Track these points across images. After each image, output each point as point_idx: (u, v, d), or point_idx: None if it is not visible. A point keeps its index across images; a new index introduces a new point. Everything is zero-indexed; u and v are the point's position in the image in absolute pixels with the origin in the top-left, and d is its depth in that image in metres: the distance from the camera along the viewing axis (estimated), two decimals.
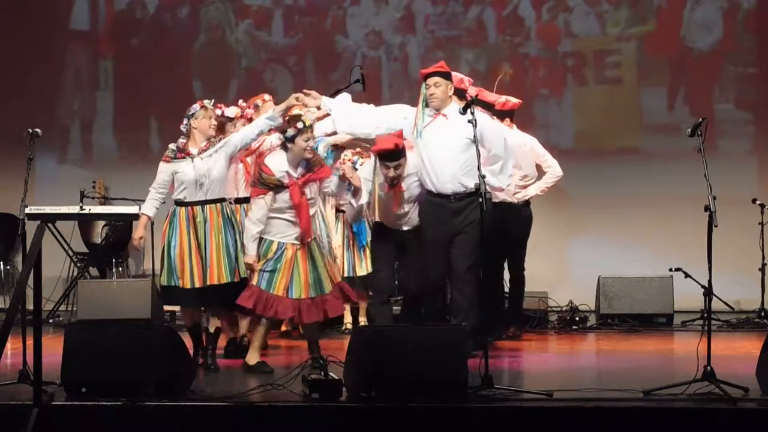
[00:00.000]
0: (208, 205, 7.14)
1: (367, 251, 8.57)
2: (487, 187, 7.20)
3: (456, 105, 7.18)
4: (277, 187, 6.95)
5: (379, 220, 7.56)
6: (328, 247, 7.45)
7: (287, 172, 6.96)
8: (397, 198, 7.34)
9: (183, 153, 7.18)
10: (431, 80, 7.24)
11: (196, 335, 7.35)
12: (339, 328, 8.88)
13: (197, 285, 7.07)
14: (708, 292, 6.25)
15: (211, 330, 7.28)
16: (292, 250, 7.00)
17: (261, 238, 7.00)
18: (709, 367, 6.02)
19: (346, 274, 8.55)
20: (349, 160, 8.29)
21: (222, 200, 7.20)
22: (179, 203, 7.17)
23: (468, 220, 7.18)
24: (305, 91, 7.27)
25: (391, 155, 7.20)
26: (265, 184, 6.96)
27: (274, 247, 6.99)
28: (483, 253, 7.05)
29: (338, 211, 8.66)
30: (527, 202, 8.44)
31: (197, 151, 7.17)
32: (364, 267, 8.63)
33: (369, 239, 8.49)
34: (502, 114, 8.23)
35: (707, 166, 6.14)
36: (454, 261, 7.25)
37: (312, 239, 7.10)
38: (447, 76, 7.32)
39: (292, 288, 6.99)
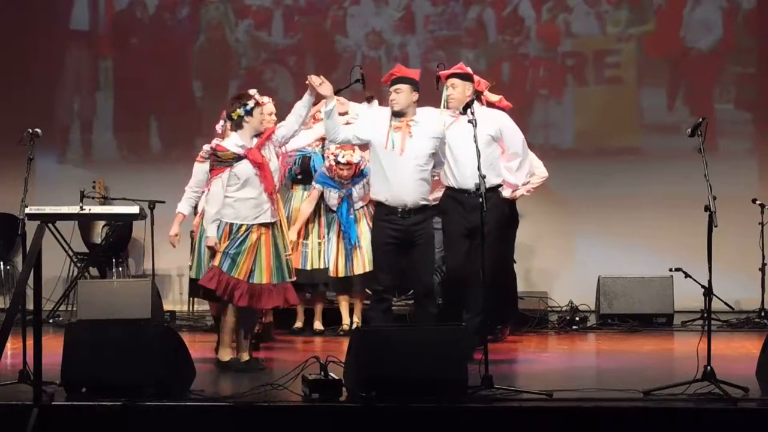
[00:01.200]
0: None
1: (362, 250, 8.52)
2: (503, 182, 7.64)
3: (476, 105, 7.20)
4: (235, 159, 6.99)
5: (378, 200, 7.26)
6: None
7: (242, 146, 7.04)
8: (404, 135, 7.15)
9: None
10: (449, 82, 7.46)
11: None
12: (335, 329, 8.83)
13: None
14: (708, 292, 6.25)
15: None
16: (257, 233, 7.02)
17: (229, 223, 7.01)
18: (709, 367, 6.02)
19: (342, 274, 8.57)
20: (332, 153, 8.43)
21: None
22: None
23: (486, 218, 7.12)
24: (321, 77, 7.18)
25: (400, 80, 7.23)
26: (222, 161, 7.02)
27: (242, 230, 7.00)
28: (485, 251, 7.02)
29: (331, 211, 8.63)
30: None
31: None
32: (361, 265, 8.55)
33: (360, 237, 8.52)
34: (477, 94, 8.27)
35: (707, 166, 6.14)
36: (473, 260, 7.25)
37: (275, 225, 7.11)
38: (464, 77, 7.50)
39: (254, 273, 7.00)
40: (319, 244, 8.66)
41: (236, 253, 6.97)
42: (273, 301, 7.13)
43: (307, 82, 7.14)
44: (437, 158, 7.34)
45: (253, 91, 7.23)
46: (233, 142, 7.08)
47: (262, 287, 7.03)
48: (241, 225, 7.01)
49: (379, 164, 7.22)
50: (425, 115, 7.34)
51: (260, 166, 7.00)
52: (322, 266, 8.65)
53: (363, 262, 8.52)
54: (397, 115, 7.20)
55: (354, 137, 7.33)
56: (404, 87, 7.19)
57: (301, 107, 7.19)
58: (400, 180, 7.15)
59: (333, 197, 8.55)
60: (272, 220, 7.09)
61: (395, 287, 7.40)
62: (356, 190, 8.54)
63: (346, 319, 8.82)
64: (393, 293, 7.38)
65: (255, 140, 7.08)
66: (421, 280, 7.31)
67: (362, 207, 8.58)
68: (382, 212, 7.25)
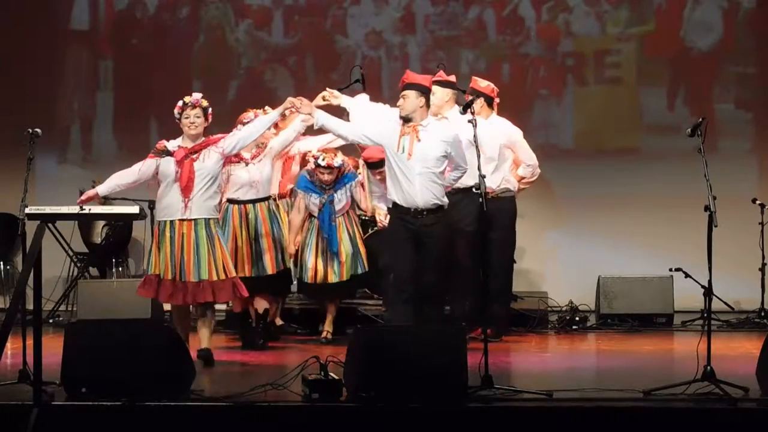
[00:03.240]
0: (258, 203, 8.08)
1: (342, 258, 8.31)
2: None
3: (457, 108, 7.97)
4: (164, 153, 7.45)
5: (394, 201, 7.44)
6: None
7: (179, 145, 7.49)
8: (412, 140, 7.33)
9: (237, 157, 7.84)
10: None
11: (245, 321, 8.26)
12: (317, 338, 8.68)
13: (247, 274, 7.84)
14: (708, 292, 6.26)
15: (260, 311, 8.14)
16: (178, 231, 7.34)
17: (158, 221, 7.44)
18: (709, 367, 6.03)
19: (320, 281, 8.34)
20: (313, 156, 8.24)
21: (267, 198, 8.11)
22: (232, 201, 8.04)
23: (461, 215, 7.88)
24: (299, 99, 7.58)
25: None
26: (156, 152, 7.50)
27: (166, 227, 7.36)
28: (484, 248, 7.18)
29: (311, 216, 8.37)
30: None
31: (250, 156, 8.01)
32: (337, 274, 8.32)
33: (340, 246, 8.32)
34: (490, 100, 8.49)
35: (707, 166, 6.15)
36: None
37: (201, 223, 7.35)
38: (443, 84, 8.12)
39: (182, 270, 7.31)
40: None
41: (159, 251, 7.37)
42: (198, 297, 7.34)
43: (289, 106, 7.52)
44: (456, 163, 7.48)
45: (194, 96, 7.60)
46: (175, 141, 7.53)
47: (186, 284, 7.32)
48: (162, 222, 7.41)
49: (392, 167, 7.40)
50: (434, 119, 7.66)
51: (178, 164, 7.38)
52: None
53: (341, 271, 8.32)
54: (405, 120, 7.40)
55: (363, 137, 7.54)
56: (410, 93, 7.39)
57: (264, 120, 7.66)
58: (410, 183, 7.33)
59: (314, 203, 8.30)
60: (187, 218, 7.35)
61: (412, 280, 7.45)
62: (338, 196, 8.31)
63: (328, 327, 8.54)
64: (411, 286, 7.39)
65: (193, 144, 7.50)
66: (422, 280, 7.38)
67: (343, 215, 8.38)
68: (397, 211, 7.44)
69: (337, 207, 8.33)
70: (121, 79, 11.09)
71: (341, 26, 10.94)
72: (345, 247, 8.33)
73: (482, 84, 8.45)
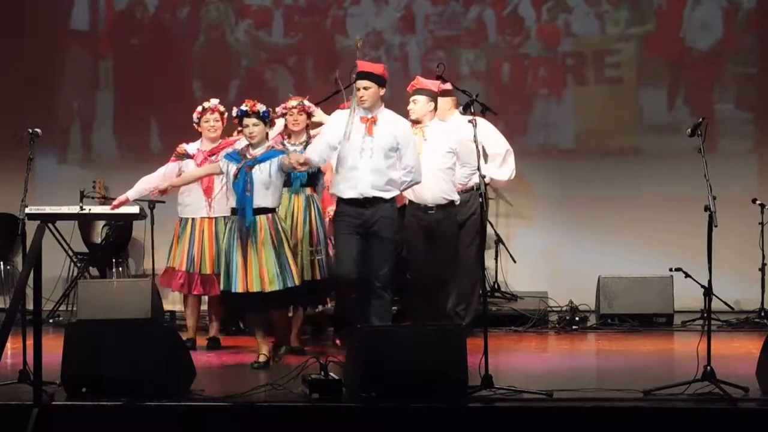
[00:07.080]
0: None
1: (262, 261, 7.12)
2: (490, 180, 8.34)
3: (458, 113, 8.46)
4: (185, 156, 8.00)
5: (409, 199, 7.81)
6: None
7: (198, 148, 8.03)
8: (419, 139, 7.73)
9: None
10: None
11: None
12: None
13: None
14: (708, 292, 6.26)
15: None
16: (199, 226, 7.93)
17: (180, 218, 8.01)
18: (709, 367, 6.03)
19: (254, 288, 7.17)
20: (236, 108, 7.49)
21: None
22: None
23: (470, 213, 8.25)
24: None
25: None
26: (177, 155, 8.04)
27: (188, 223, 7.95)
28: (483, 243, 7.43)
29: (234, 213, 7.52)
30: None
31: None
32: (257, 284, 7.16)
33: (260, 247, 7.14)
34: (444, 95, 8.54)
35: (707, 166, 6.15)
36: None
37: (221, 220, 7.82)
38: (441, 93, 8.23)
39: (202, 263, 7.92)
40: (311, 252, 7.77)
41: (178, 244, 7.98)
42: (213, 290, 7.88)
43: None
44: (463, 160, 7.86)
45: (212, 101, 8.07)
46: (194, 144, 8.06)
47: (203, 276, 7.95)
48: (184, 218, 7.98)
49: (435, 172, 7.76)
50: (436, 121, 8.00)
51: (199, 166, 7.88)
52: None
53: (262, 281, 7.17)
54: (414, 122, 7.79)
55: None
56: (421, 98, 7.87)
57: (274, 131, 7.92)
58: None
59: (231, 172, 7.28)
60: (210, 216, 7.92)
61: (426, 272, 7.80)
62: (260, 165, 7.22)
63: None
64: (426, 279, 7.80)
65: (212, 146, 7.99)
66: (431, 273, 7.77)
67: (269, 215, 7.21)
68: (411, 208, 7.86)
69: (257, 178, 7.16)
70: (121, 79, 11.09)
71: (341, 26, 10.94)
72: (267, 256, 7.15)
73: (443, 85, 8.34)
